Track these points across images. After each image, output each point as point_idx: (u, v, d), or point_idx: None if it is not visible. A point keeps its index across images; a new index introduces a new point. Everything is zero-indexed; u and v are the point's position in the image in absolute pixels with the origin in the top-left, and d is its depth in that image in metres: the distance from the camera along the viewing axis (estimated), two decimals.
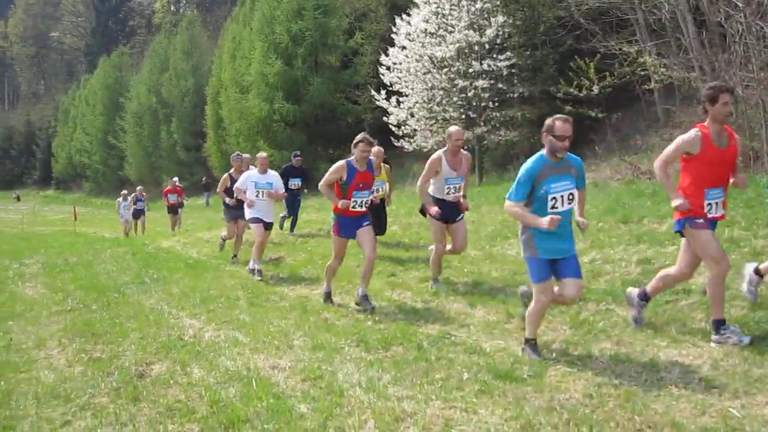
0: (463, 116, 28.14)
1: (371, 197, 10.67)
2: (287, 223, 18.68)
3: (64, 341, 9.35)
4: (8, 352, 9.07)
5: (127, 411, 6.52)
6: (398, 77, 29.65)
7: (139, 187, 22.46)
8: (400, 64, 29.54)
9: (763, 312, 7.52)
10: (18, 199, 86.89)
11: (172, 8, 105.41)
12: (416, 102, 28.92)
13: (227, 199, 15.26)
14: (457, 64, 27.70)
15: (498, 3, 27.58)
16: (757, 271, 7.77)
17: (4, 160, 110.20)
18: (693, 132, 7.06)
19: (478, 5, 27.12)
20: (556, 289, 7.15)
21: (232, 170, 15.46)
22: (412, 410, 5.92)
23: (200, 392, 6.82)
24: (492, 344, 7.64)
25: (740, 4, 17.20)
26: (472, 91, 27.20)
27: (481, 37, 27.08)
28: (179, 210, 27.91)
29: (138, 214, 29.35)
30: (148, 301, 11.74)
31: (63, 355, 8.73)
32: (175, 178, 26.87)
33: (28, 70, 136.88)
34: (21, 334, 10.10)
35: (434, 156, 10.51)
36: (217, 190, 16.04)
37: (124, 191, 24.21)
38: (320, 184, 10.01)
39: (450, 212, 10.53)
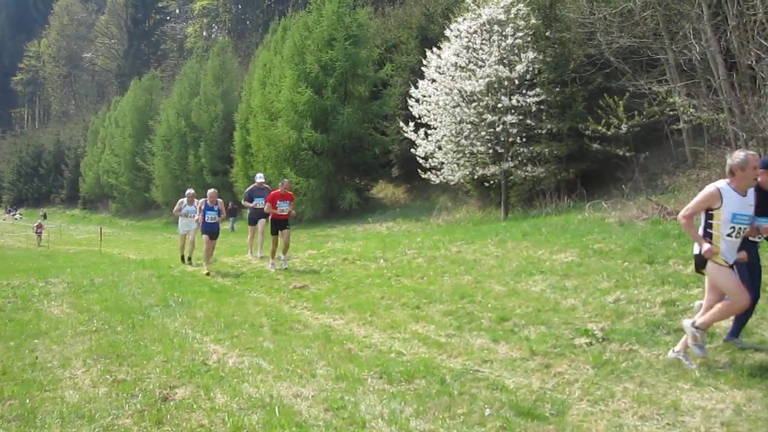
0: (491, 151, 28.18)
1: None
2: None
3: (89, 361, 9.41)
4: (33, 370, 9.14)
5: None
6: (427, 110, 29.73)
7: (212, 190, 19.44)
8: (430, 96, 29.62)
9: None
10: (45, 217, 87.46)
11: (204, 33, 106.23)
12: (444, 135, 28.95)
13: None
14: (487, 98, 27.76)
15: (529, 39, 27.67)
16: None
17: (32, 178, 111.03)
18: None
19: (509, 41, 27.22)
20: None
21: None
22: None
23: (223, 418, 6.86)
24: (515, 381, 7.64)
25: None
26: (501, 126, 27.23)
27: (511, 72, 27.15)
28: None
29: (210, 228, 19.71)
30: (173, 325, 11.78)
31: (88, 375, 8.78)
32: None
33: (60, 90, 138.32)
34: (46, 352, 10.17)
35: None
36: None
37: (191, 190, 22.13)
38: None
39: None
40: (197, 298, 14.30)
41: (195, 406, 7.29)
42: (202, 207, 18.77)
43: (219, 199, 19.04)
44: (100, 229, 44.87)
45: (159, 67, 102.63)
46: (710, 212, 7.57)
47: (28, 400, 7.81)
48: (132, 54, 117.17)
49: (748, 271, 7.96)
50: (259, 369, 8.56)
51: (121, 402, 7.57)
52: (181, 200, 21.01)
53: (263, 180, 20.76)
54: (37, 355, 10.02)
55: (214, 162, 57.75)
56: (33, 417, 7.24)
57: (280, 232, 17.87)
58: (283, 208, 17.65)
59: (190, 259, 20.78)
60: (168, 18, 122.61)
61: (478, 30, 28.27)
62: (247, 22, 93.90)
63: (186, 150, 61.59)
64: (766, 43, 17.59)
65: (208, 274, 17.72)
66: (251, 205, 20.22)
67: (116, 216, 79.09)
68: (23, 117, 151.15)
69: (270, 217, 18.16)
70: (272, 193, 18.04)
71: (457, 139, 28.74)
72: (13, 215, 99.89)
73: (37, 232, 47.67)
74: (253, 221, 20.70)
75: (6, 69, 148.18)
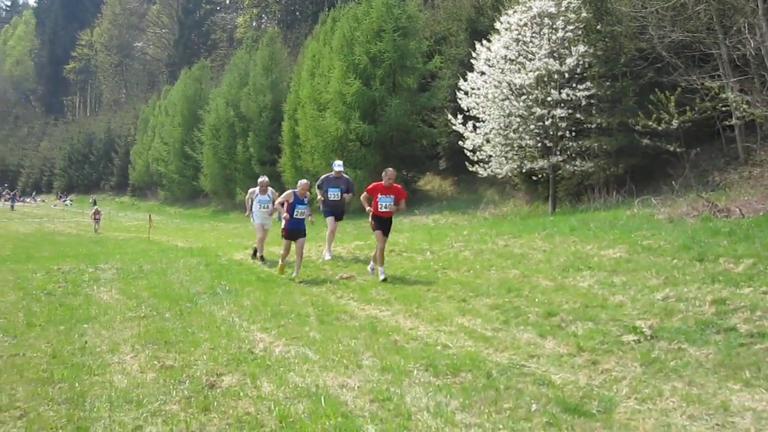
0: (539, 145, 28.01)
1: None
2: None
3: (137, 347, 9.53)
4: (83, 354, 9.27)
5: (198, 420, 6.63)
6: (476, 102, 29.59)
7: (303, 181, 16.34)
8: (479, 89, 29.49)
9: None
10: (95, 203, 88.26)
11: (254, 24, 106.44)
12: (492, 128, 28.81)
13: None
14: (536, 92, 27.58)
15: (579, 33, 27.44)
16: None
17: (83, 165, 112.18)
18: None
19: (560, 34, 27.02)
20: None
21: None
22: None
23: (269, 406, 6.90)
24: (561, 377, 7.60)
25: None
26: (550, 119, 27.05)
27: (561, 65, 26.95)
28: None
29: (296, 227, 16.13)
30: (220, 313, 11.88)
31: (136, 360, 8.89)
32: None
33: (111, 79, 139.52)
34: (95, 337, 10.31)
35: None
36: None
37: (263, 178, 19.18)
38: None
39: None
40: (244, 286, 14.41)
41: (241, 393, 7.35)
42: (290, 200, 15.54)
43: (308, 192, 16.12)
44: (149, 216, 45.23)
45: (209, 56, 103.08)
46: None
47: (77, 384, 7.92)
48: (182, 43, 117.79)
49: None
50: (306, 358, 8.61)
51: (168, 388, 7.65)
52: (252, 189, 19.06)
53: (342, 168, 18.24)
54: (87, 339, 10.16)
55: (262, 152, 57.91)
56: (82, 400, 7.35)
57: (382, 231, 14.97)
58: (387, 203, 14.90)
59: (263, 257, 18.36)
60: (218, 8, 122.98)
61: (529, 23, 28.09)
62: (297, 13, 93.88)
63: (234, 139, 61.82)
64: None
65: (281, 273, 15.92)
66: (321, 195, 17.91)
67: (164, 204, 79.76)
68: (75, 105, 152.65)
69: (370, 214, 15.00)
70: (373, 184, 15.16)
71: (506, 132, 28.60)
72: (64, 201, 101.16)
73: (95, 218, 47.74)
74: (327, 213, 18.14)
75: (59, 58, 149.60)
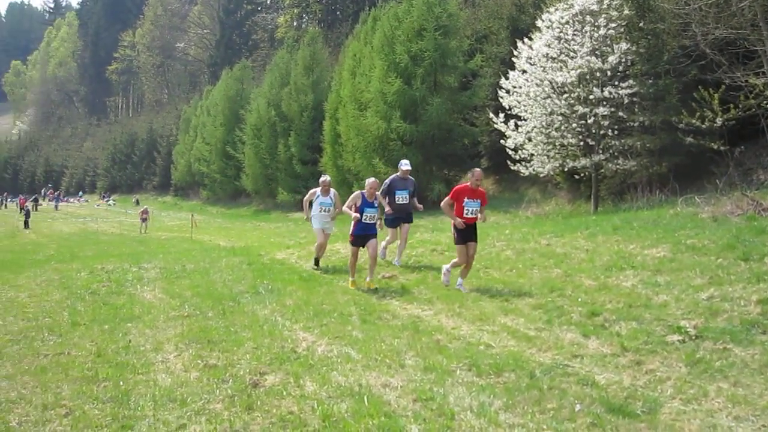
0: (582, 143, 27.89)
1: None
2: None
3: (180, 346, 9.61)
4: (127, 353, 9.37)
5: (241, 419, 6.69)
6: (517, 101, 29.51)
7: (371, 180, 14.61)
8: (520, 87, 29.40)
9: None
10: (138, 203, 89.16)
11: (294, 23, 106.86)
12: (534, 127, 28.72)
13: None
14: (578, 90, 27.46)
15: (622, 30, 27.27)
16: None
17: (125, 165, 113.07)
18: None
19: (602, 31, 26.88)
20: None
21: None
22: None
23: (312, 405, 6.94)
24: (605, 377, 7.57)
25: None
26: (592, 118, 26.92)
27: (603, 63, 26.82)
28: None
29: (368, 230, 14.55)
30: (263, 312, 11.95)
31: (179, 359, 8.97)
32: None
33: (153, 79, 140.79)
34: (139, 336, 10.42)
35: None
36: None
37: (326, 177, 17.73)
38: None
39: None
40: (287, 286, 14.47)
41: (285, 393, 7.39)
42: (357, 203, 14.07)
43: (378, 192, 14.62)
44: (192, 215, 45.60)
45: (250, 56, 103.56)
46: None
47: (121, 383, 8.01)
48: (224, 44, 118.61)
49: None
50: (348, 358, 8.64)
51: (212, 387, 7.72)
52: (312, 190, 17.14)
53: (409, 168, 16.43)
54: (131, 338, 10.27)
55: (303, 151, 58.09)
56: (126, 399, 7.43)
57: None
58: (474, 209, 13.22)
59: (317, 261, 17.25)
60: (259, 8, 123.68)
61: (570, 20, 27.97)
62: (338, 13, 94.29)
63: (276, 139, 62.03)
64: None
65: (354, 287, 14.08)
66: (387, 200, 15.96)
67: (206, 203, 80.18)
68: (117, 105, 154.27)
69: (453, 225, 13.31)
70: (458, 188, 13.42)
71: (548, 130, 28.49)
72: (107, 201, 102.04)
73: (142, 218, 47.80)
74: (392, 222, 16.32)
75: (101, 59, 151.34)
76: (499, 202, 37.25)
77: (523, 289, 12.45)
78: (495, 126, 31.13)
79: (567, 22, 28.02)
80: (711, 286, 10.77)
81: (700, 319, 9.07)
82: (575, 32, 27.72)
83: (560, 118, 28.03)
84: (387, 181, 16.52)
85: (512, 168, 30.32)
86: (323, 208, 16.75)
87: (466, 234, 13.21)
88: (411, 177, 16.74)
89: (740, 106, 22.99)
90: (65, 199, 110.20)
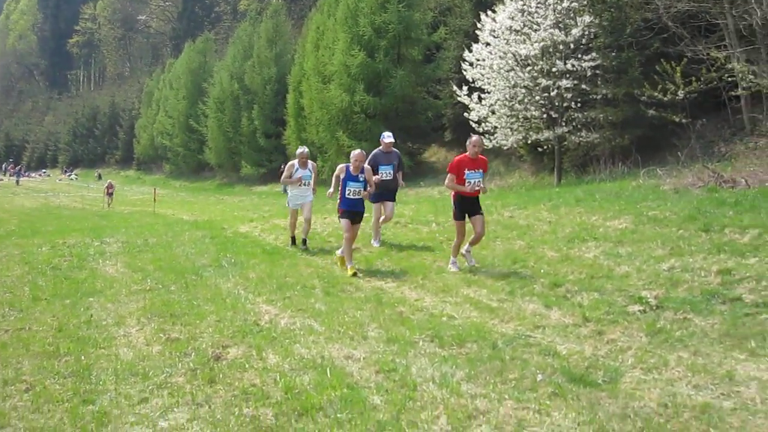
0: (545, 116, 27.97)
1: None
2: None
3: (142, 320, 9.53)
4: (89, 328, 9.26)
5: (203, 392, 6.63)
6: (481, 74, 29.55)
7: (357, 151, 13.17)
8: (484, 60, 29.44)
9: None
10: (100, 177, 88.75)
11: None
12: (498, 99, 28.79)
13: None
14: (541, 62, 27.52)
15: (585, 3, 27.32)
16: None
17: (88, 140, 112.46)
18: None
19: (565, 4, 26.92)
20: None
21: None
22: (485, 408, 5.92)
23: (275, 378, 6.90)
24: (567, 347, 7.59)
25: None
26: (555, 90, 27.00)
27: (566, 36, 26.88)
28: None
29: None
30: (226, 285, 11.87)
31: (141, 333, 8.89)
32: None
33: (115, 52, 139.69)
34: (101, 310, 10.30)
35: None
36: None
37: (303, 148, 16.10)
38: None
39: None
40: (250, 259, 14.38)
41: (247, 365, 7.35)
42: (341, 175, 12.91)
43: (366, 165, 13.33)
44: (154, 189, 45.31)
45: (213, 29, 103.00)
46: None
47: (83, 357, 7.92)
48: (186, 16, 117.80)
49: None
50: (311, 330, 8.60)
51: (174, 360, 7.65)
52: (291, 162, 15.87)
53: (392, 140, 15.15)
54: (92, 313, 10.15)
55: (266, 124, 58.01)
56: (88, 373, 7.35)
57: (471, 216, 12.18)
58: (476, 180, 11.89)
59: (305, 241, 15.70)
60: None
61: None
62: None
63: (239, 112, 61.89)
64: None
65: (355, 274, 12.22)
66: (376, 178, 14.14)
67: (170, 177, 79.88)
68: (79, 79, 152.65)
69: (455, 195, 12.13)
70: (457, 159, 12.07)
71: (511, 103, 28.57)
72: (69, 176, 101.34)
73: (108, 193, 47.25)
74: (376, 198, 14.82)
75: (62, 31, 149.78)
76: None
77: (486, 260, 12.46)
78: (458, 99, 31.19)
79: None
80: (672, 256, 10.83)
81: (661, 290, 9.12)
82: (538, 5, 27.73)
83: (523, 90, 28.10)
84: (371, 155, 14.99)
85: None
86: (303, 181, 15.60)
87: (467, 207, 12.11)
88: (395, 150, 15.49)
89: (702, 79, 23.14)
90: (27, 173, 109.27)
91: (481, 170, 11.93)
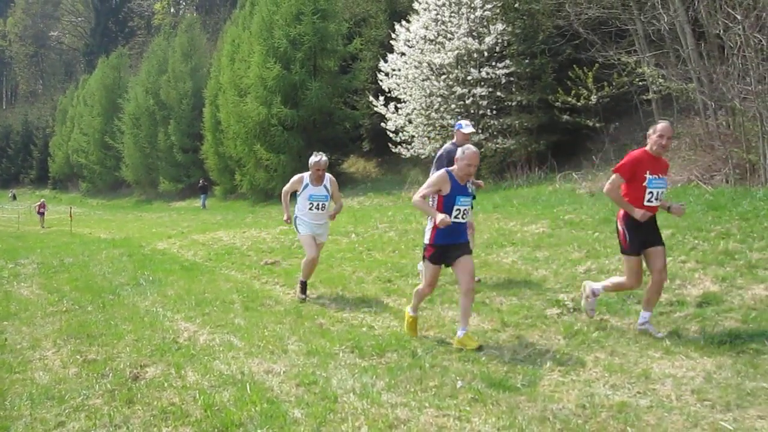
0: None
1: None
2: None
3: (59, 342, 9.35)
4: (3, 353, 9.07)
5: (121, 413, 6.52)
6: (397, 83, 29.73)
7: (471, 149, 8.15)
8: (399, 70, 29.62)
9: (755, 324, 7.53)
10: (14, 198, 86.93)
11: (171, 10, 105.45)
12: (414, 108, 28.99)
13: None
14: (456, 71, 27.77)
15: (498, 11, 27.65)
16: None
17: (1, 159, 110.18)
18: None
19: (478, 13, 27.21)
20: None
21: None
22: (406, 417, 5.92)
23: (194, 396, 6.82)
24: (486, 353, 7.64)
25: (739, 17, 17.26)
26: (471, 98, 27.25)
27: (480, 44, 27.16)
28: None
29: None
30: (144, 303, 11.73)
31: (58, 356, 8.73)
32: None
33: (27, 69, 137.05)
34: (16, 334, 10.11)
35: None
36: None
37: (319, 156, 11.15)
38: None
39: None
40: (168, 276, 14.26)
41: (166, 384, 7.25)
42: (444, 190, 7.93)
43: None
44: (70, 208, 44.58)
45: (127, 44, 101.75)
46: None
47: None
48: (99, 32, 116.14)
49: None
50: (231, 346, 8.53)
51: (91, 382, 7.51)
52: (297, 177, 11.36)
53: (472, 130, 11.00)
54: (7, 336, 9.96)
55: (183, 139, 57.54)
56: (2, 399, 7.19)
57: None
58: (660, 191, 7.94)
59: (304, 286, 11.48)
60: None
61: (447, 2, 28.25)
62: None
63: (155, 128, 61.26)
64: (733, 13, 17.61)
65: (480, 347, 7.79)
66: None
67: (86, 195, 78.65)
68: None
69: (625, 217, 7.98)
70: (634, 155, 8.09)
71: (427, 112, 28.77)
72: None
73: (39, 212, 45.36)
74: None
75: None
76: (382, 184, 37.42)
77: (405, 269, 12.51)
78: (375, 109, 31.33)
79: (444, 4, 28.30)
80: (588, 259, 11.01)
81: (578, 292, 9.22)
82: (452, 14, 27.99)
83: (439, 99, 28.33)
84: (441, 151, 11.21)
85: (394, 150, 30.56)
86: (314, 203, 11.14)
87: (646, 233, 8.00)
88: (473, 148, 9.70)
89: (614, 83, 23.62)
90: None
91: (665, 177, 8.09)
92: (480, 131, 27.68)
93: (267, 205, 40.75)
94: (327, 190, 11.11)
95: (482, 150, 28.16)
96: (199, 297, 11.80)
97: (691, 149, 21.07)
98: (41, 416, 6.61)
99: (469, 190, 8.17)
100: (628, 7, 23.88)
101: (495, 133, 27.74)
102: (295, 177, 11.29)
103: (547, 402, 6.11)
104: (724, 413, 5.70)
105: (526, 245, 12.66)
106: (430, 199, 8.03)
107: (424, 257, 8.34)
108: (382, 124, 31.14)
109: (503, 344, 7.96)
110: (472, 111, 27.76)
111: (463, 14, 27.70)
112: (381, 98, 30.43)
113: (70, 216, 37.96)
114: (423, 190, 8.02)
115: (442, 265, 8.29)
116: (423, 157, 30.81)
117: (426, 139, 29.26)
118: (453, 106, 27.97)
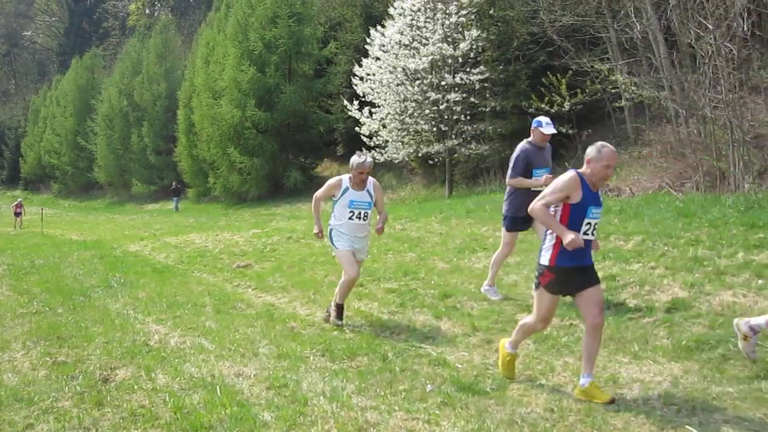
0: (435, 129, 28.30)
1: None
2: None
3: (28, 344, 9.30)
4: None
5: (91, 415, 6.50)
6: (371, 88, 29.76)
7: (608, 148, 6.87)
8: (374, 75, 29.64)
9: (722, 330, 7.60)
10: None
11: (146, 11, 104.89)
12: (388, 113, 29.04)
13: None
14: (430, 76, 27.86)
15: (473, 17, 27.76)
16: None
17: None
18: None
19: (453, 19, 27.30)
20: None
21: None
22: (375, 421, 5.95)
23: (164, 398, 6.81)
24: (456, 356, 7.69)
25: (710, 27, 17.39)
26: (445, 104, 27.34)
27: (454, 50, 27.25)
28: None
29: None
30: (114, 306, 11.69)
31: (27, 358, 8.68)
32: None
33: None
34: None
35: None
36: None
37: (363, 157, 9.47)
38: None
39: None
40: (140, 278, 14.23)
41: (136, 387, 7.23)
42: (574, 197, 6.69)
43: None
44: (41, 209, 44.29)
45: (101, 45, 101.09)
46: None
47: None
48: (73, 32, 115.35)
49: None
50: (201, 349, 8.52)
51: (60, 384, 7.48)
52: (334, 180, 9.64)
53: (553, 130, 10.12)
54: None
55: (157, 141, 57.32)
56: None
57: None
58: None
59: (341, 310, 9.58)
60: None
61: (422, 8, 28.32)
62: (190, 0, 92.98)
63: (129, 129, 60.98)
64: (705, 22, 17.74)
65: (612, 400, 6.22)
66: (530, 182, 9.76)
67: (59, 197, 78.10)
68: None
69: None
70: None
71: (402, 117, 28.83)
72: None
73: (15, 212, 44.20)
74: (517, 224, 10.19)
75: None
76: None
77: (377, 273, 12.53)
78: (350, 113, 31.32)
79: (419, 10, 28.38)
80: None
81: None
82: (427, 19, 28.07)
83: (413, 104, 28.40)
84: (517, 152, 10.06)
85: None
86: (355, 211, 9.41)
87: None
88: (548, 144, 10.38)
89: (587, 90, 23.79)
90: None
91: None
92: (453, 136, 27.79)
93: (240, 208, 40.71)
94: (370, 196, 9.48)
95: (456, 156, 28.35)
96: (171, 300, 11.78)
97: (663, 157, 21.23)
98: (9, 418, 6.57)
99: (601, 199, 6.92)
100: (601, 15, 24.05)
101: (469, 138, 27.85)
102: (332, 180, 9.60)
103: (516, 406, 6.16)
104: (690, 417, 5.77)
105: (497, 251, 12.72)
106: (552, 208, 6.60)
107: (537, 284, 6.73)
108: (357, 129, 31.18)
109: (473, 348, 8.01)
110: (446, 117, 27.87)
111: (438, 20, 27.79)
112: (355, 102, 30.44)
113: (42, 217, 37.73)
114: (547, 196, 6.60)
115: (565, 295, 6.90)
116: (397, 161, 30.88)
117: (400, 143, 29.34)
118: (427, 111, 28.05)
